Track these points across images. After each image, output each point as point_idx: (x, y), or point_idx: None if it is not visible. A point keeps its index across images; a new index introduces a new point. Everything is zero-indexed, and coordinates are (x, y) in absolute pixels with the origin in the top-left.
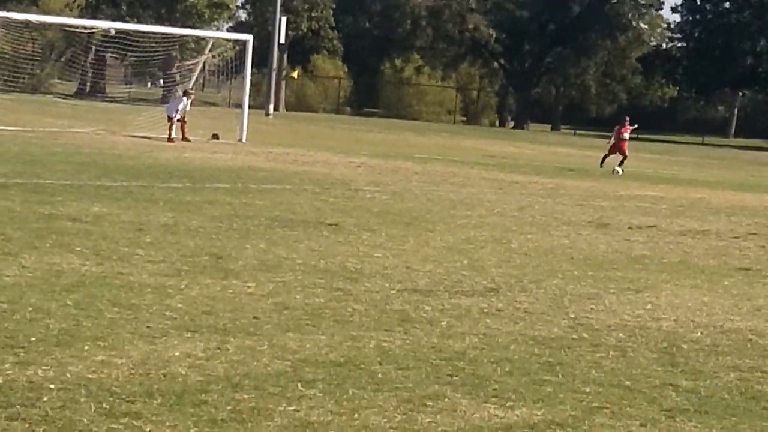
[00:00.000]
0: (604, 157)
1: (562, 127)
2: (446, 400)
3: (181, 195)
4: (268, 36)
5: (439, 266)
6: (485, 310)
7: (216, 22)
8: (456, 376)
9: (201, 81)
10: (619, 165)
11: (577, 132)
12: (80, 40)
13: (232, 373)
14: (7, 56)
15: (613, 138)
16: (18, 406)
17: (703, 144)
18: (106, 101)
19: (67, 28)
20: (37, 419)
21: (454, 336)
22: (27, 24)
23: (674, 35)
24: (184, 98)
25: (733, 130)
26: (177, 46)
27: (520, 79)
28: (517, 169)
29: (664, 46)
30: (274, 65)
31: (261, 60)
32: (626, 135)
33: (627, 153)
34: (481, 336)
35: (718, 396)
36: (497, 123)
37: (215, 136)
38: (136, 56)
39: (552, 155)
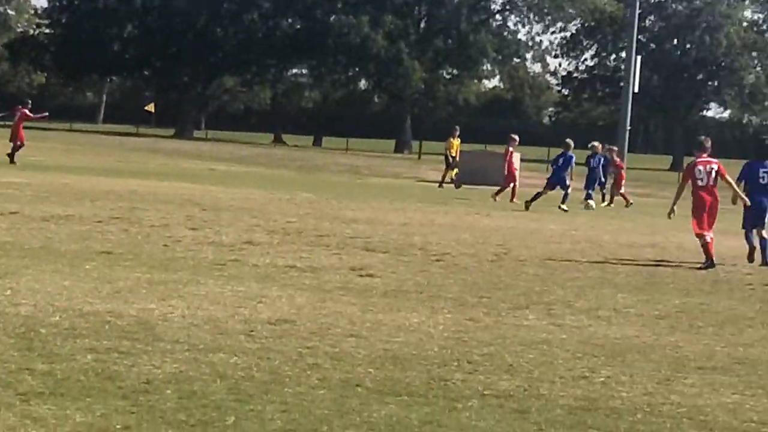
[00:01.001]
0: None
1: None
2: None
3: None
4: None
5: None
6: None
7: None
8: None
9: None
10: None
11: None
12: None
13: None
14: None
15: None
16: None
17: (71, 130)
18: None
19: None
20: None
21: None
22: None
23: (42, 21)
24: None
25: (102, 116)
26: None
27: None
28: None
29: (32, 32)
30: None
31: None
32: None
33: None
34: None
35: (74, 378)
36: None
37: None
38: None
39: None
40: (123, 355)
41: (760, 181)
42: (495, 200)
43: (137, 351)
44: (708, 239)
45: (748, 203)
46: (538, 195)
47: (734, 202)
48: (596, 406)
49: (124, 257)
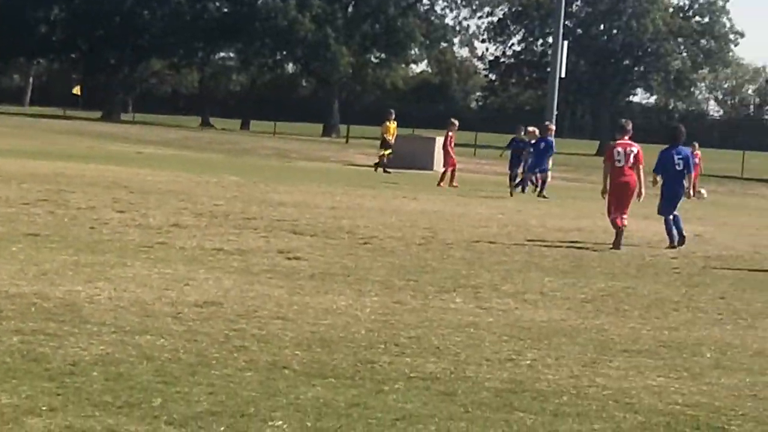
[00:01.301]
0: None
1: None
2: None
3: None
4: None
5: None
6: None
7: None
8: None
9: None
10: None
11: None
12: None
13: None
14: None
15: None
16: None
17: None
18: None
19: None
20: None
21: None
22: None
23: None
24: None
25: (29, 99)
26: None
27: None
28: None
29: None
30: None
31: None
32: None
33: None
34: None
35: (0, 360)
36: None
37: None
38: None
39: None
40: (49, 337)
41: (676, 167)
42: (454, 186)
43: (64, 333)
44: (616, 218)
45: (642, 199)
46: (543, 184)
47: (655, 184)
48: (522, 389)
49: (51, 239)
